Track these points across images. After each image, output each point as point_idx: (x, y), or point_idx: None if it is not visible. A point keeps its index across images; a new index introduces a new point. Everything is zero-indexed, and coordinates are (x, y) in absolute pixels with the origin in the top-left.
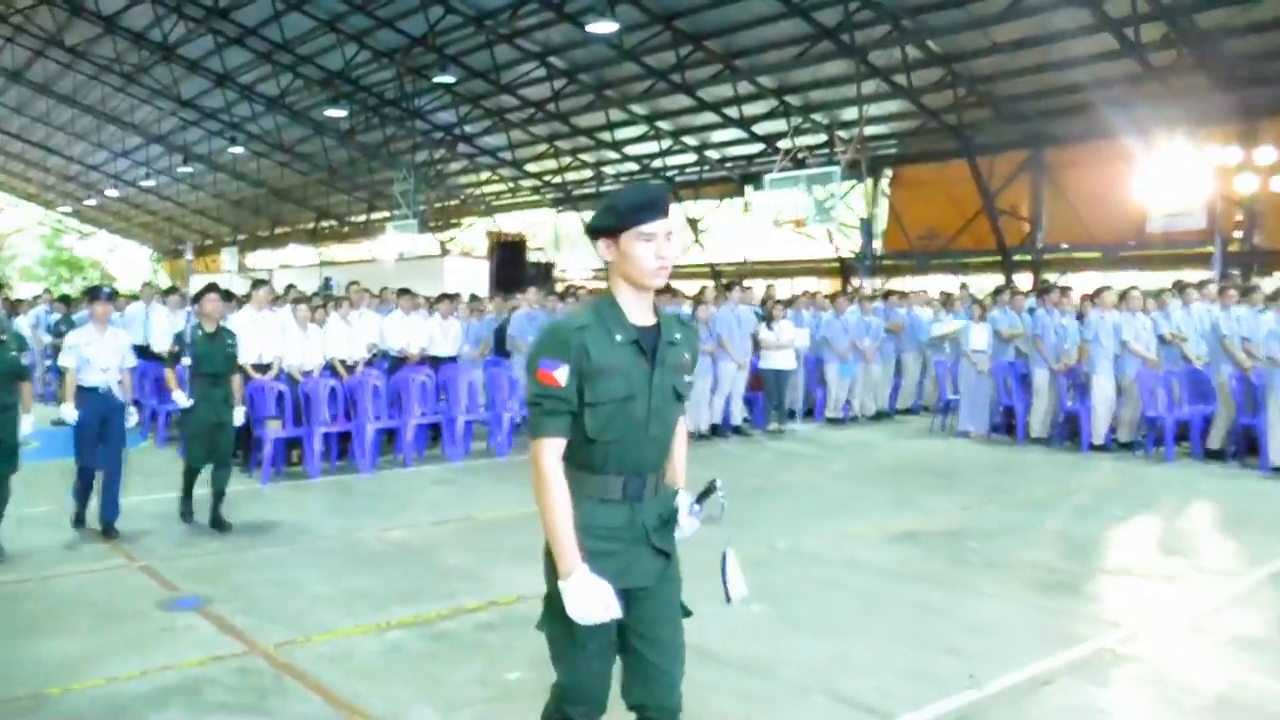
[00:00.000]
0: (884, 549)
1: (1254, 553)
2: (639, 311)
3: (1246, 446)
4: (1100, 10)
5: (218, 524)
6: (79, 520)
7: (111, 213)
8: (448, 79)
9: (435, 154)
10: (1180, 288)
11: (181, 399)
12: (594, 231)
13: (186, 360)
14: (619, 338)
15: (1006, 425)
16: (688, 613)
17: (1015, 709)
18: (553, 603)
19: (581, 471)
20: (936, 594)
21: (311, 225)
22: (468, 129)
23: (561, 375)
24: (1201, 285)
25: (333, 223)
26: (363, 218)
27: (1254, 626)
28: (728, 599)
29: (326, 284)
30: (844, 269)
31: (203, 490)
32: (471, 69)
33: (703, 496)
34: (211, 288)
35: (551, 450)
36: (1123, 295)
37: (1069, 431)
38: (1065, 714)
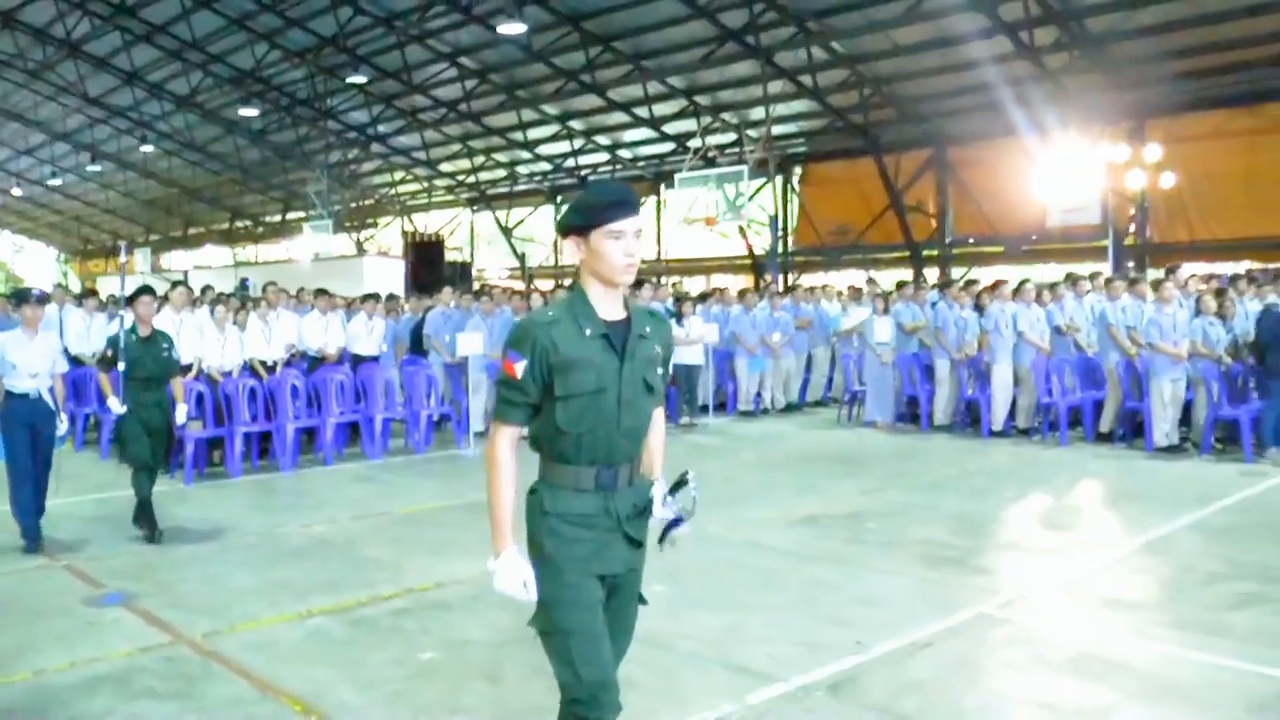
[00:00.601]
0: (785, 532)
1: (1132, 525)
2: (608, 306)
3: (1133, 429)
4: (995, 14)
5: (145, 527)
6: (31, 538)
7: (15, 212)
8: (359, 79)
9: (349, 154)
10: (1072, 280)
11: (116, 405)
12: (564, 229)
13: (121, 365)
14: (588, 332)
15: (911, 414)
16: (643, 601)
17: (896, 669)
18: (546, 598)
19: (555, 462)
20: (831, 571)
21: (226, 225)
22: (381, 129)
23: (520, 369)
24: (1092, 277)
25: (247, 223)
26: (278, 218)
27: (1123, 590)
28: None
29: (243, 285)
30: (756, 265)
31: (125, 492)
32: (383, 69)
33: (675, 488)
34: (145, 290)
35: (506, 435)
36: (1018, 288)
37: (970, 418)
38: (941, 671)
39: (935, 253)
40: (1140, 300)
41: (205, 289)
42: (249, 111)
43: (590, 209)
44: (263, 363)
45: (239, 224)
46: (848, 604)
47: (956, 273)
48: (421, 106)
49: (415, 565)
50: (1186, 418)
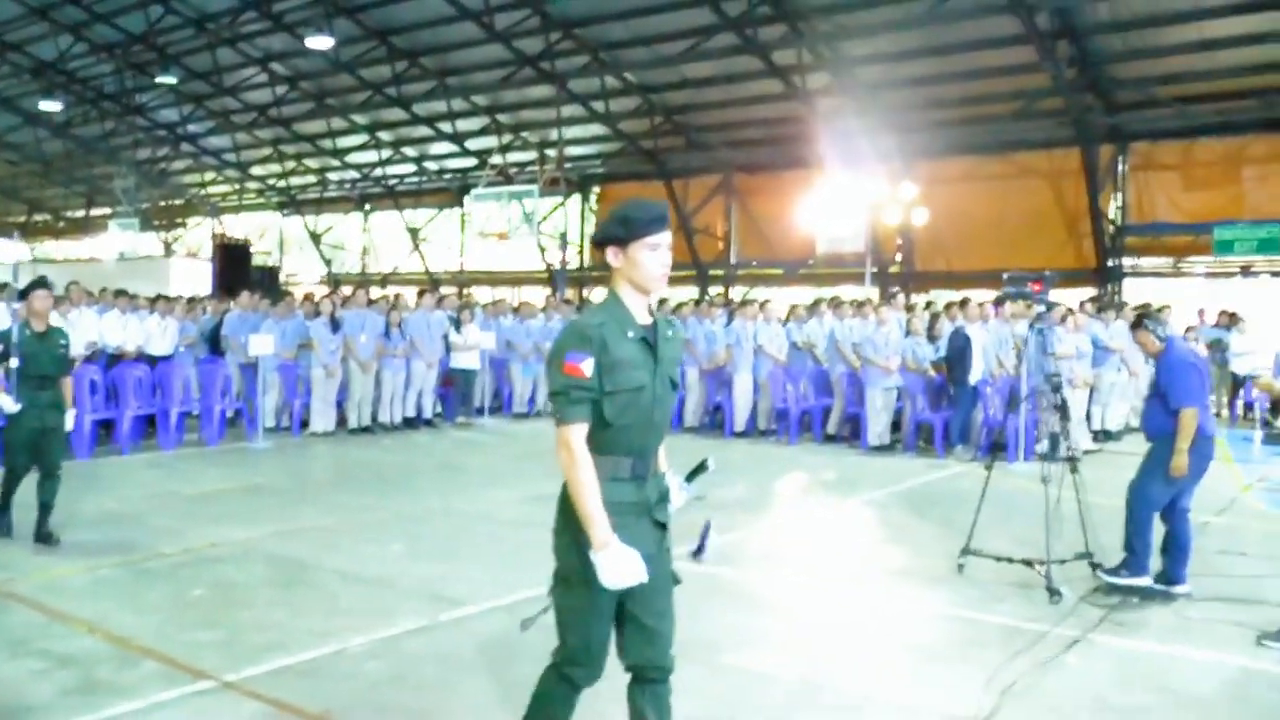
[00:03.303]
0: (518, 506)
1: (831, 500)
2: (641, 312)
3: (854, 431)
4: (769, 59)
5: (43, 537)
6: None
7: None
8: (169, 79)
9: (158, 151)
10: (815, 303)
11: (9, 404)
12: (604, 240)
13: (14, 362)
14: (630, 334)
15: None
16: (678, 580)
17: None
18: (572, 575)
19: (596, 454)
20: (542, 535)
21: (23, 219)
22: (191, 128)
23: (587, 367)
24: (831, 301)
25: (47, 217)
26: (81, 213)
27: (801, 543)
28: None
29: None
30: (552, 278)
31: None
32: (193, 70)
33: (693, 474)
34: (41, 283)
35: (579, 434)
36: (761, 306)
37: (716, 421)
38: None
39: (721, 273)
40: (865, 321)
41: (2, 285)
42: (52, 104)
43: (632, 223)
44: None
45: (37, 218)
46: (543, 556)
47: (737, 293)
48: (232, 109)
49: (196, 532)
50: (898, 422)
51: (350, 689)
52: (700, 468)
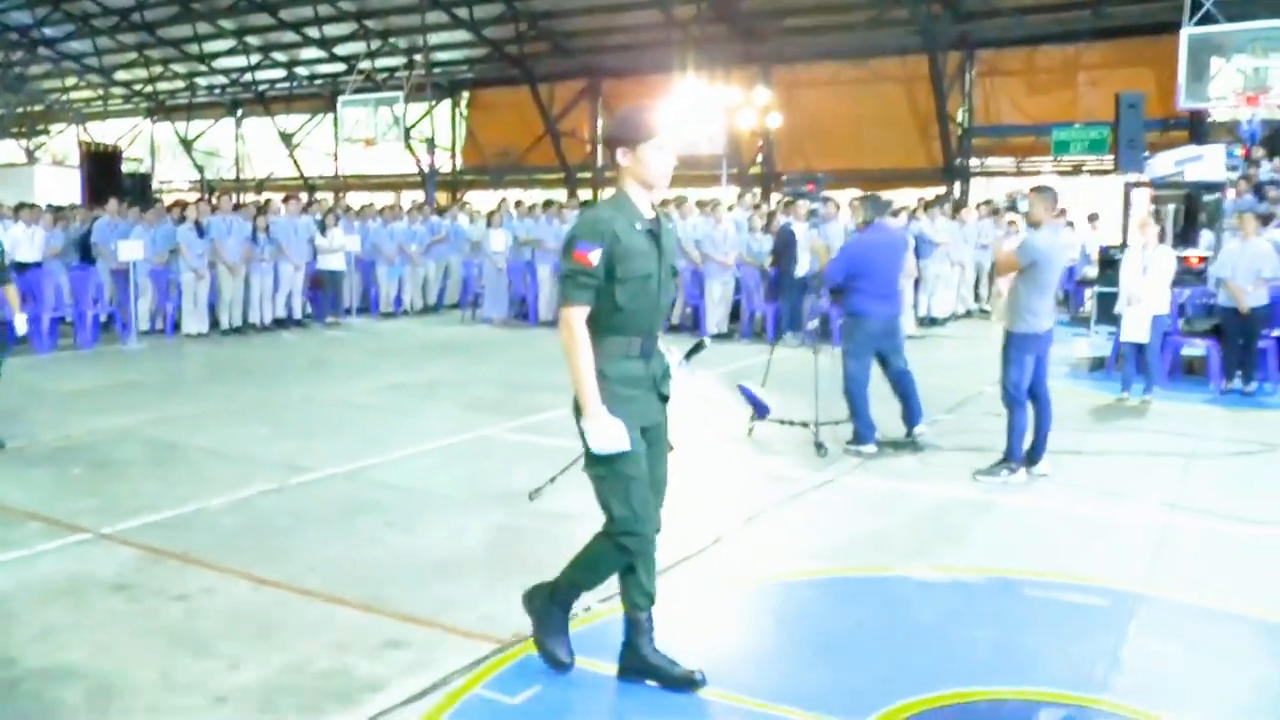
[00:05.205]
0: (371, 394)
1: None
2: (646, 207)
3: (695, 320)
4: None
5: None
6: None
7: None
8: None
9: (12, 55)
10: (663, 204)
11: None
12: (614, 141)
13: None
14: (638, 226)
15: (522, 312)
16: (671, 448)
17: (402, 465)
18: (601, 452)
19: (612, 335)
20: (393, 416)
21: None
22: (48, 32)
23: (595, 257)
24: (675, 200)
25: None
26: None
27: None
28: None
29: None
30: (426, 183)
31: None
32: None
33: (691, 353)
34: None
35: (580, 316)
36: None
37: None
38: (440, 462)
39: (589, 175)
40: (708, 219)
41: None
42: None
43: (641, 126)
44: None
45: None
46: (393, 433)
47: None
48: (92, 12)
49: (74, 422)
50: (737, 312)
51: (209, 536)
52: (698, 347)
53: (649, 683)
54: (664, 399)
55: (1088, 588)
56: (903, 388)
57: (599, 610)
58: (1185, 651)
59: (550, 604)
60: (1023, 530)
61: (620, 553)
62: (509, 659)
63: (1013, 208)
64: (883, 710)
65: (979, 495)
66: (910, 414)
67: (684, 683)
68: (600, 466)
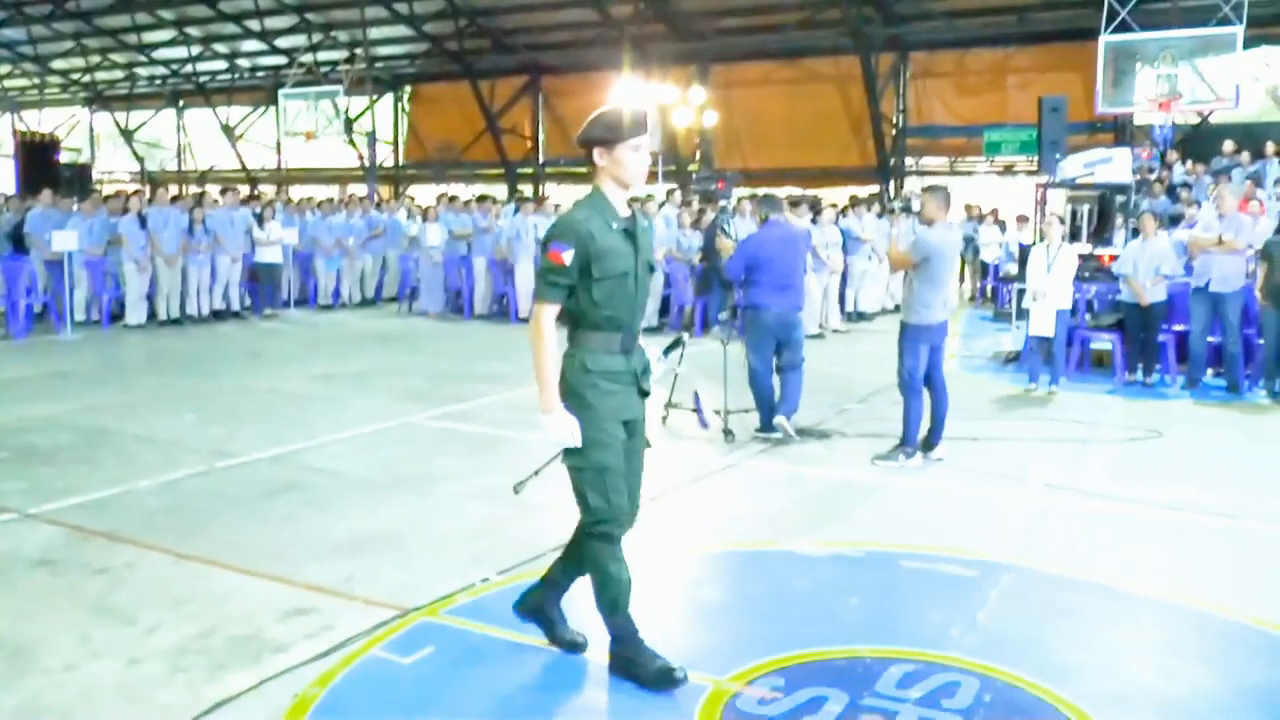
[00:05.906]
0: (302, 383)
1: None
2: (622, 206)
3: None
4: None
5: None
6: None
7: None
8: None
9: None
10: None
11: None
12: (590, 141)
13: None
14: (614, 226)
15: (456, 305)
16: (648, 444)
17: (327, 450)
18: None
19: (591, 331)
20: (321, 404)
21: None
22: None
23: (568, 256)
24: None
25: None
26: None
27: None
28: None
29: None
30: (367, 176)
31: None
32: None
33: (670, 349)
34: None
35: (550, 312)
36: (539, 202)
37: (503, 308)
38: (350, 450)
39: (530, 171)
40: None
41: None
42: None
43: (618, 127)
44: None
45: None
46: (320, 420)
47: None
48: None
49: (2, 410)
50: (666, 306)
51: (135, 516)
52: (676, 343)
53: (535, 642)
54: (644, 394)
55: (961, 560)
56: (785, 378)
57: (496, 581)
58: (1038, 615)
59: (544, 601)
60: (910, 509)
61: (604, 541)
62: (406, 623)
63: (907, 208)
64: (745, 667)
65: (874, 478)
66: (781, 403)
67: (567, 644)
68: (578, 458)
